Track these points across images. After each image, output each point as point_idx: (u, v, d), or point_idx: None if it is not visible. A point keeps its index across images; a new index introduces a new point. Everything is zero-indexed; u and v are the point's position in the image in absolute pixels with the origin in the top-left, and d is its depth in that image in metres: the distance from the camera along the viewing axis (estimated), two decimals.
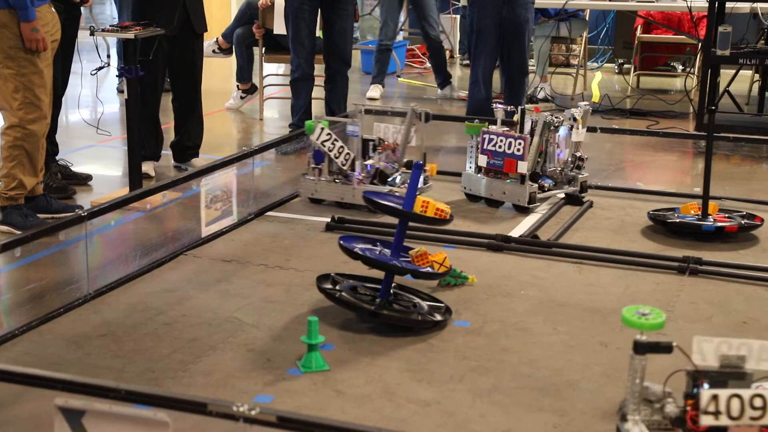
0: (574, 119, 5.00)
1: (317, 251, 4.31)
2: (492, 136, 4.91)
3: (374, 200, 3.67)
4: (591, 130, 5.74)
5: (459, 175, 5.42)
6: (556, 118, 4.99)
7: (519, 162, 4.83)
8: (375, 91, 8.35)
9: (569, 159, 5.09)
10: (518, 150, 4.81)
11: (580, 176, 5.08)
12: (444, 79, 8.44)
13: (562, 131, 4.99)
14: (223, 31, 7.96)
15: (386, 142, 5.00)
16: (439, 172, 5.05)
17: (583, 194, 5.10)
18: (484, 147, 4.94)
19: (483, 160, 4.97)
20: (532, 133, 4.94)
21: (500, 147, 4.87)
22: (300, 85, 6.41)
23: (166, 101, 5.90)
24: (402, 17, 8.81)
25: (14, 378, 2.44)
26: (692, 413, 2.31)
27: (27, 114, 4.37)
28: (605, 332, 3.47)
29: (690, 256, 4.13)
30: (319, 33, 6.52)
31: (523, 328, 3.50)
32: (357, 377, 3.10)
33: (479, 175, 5.03)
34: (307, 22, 6.28)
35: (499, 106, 5.20)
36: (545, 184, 4.98)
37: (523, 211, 4.89)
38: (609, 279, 4.01)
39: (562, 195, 5.08)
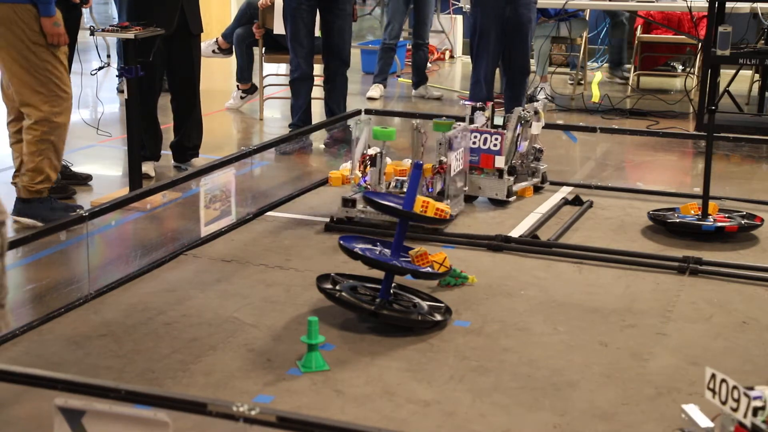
0: (536, 112, 5.12)
1: (317, 251, 4.31)
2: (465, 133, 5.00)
3: (374, 200, 3.67)
4: (591, 130, 5.75)
5: None
6: (528, 112, 5.09)
7: (497, 157, 4.93)
8: (375, 90, 8.35)
9: (529, 151, 5.24)
10: (495, 145, 4.92)
11: (541, 167, 5.29)
12: (420, 79, 8.48)
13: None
14: (223, 31, 7.96)
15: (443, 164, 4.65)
16: None
17: (543, 184, 5.31)
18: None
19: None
20: (503, 128, 5.05)
21: (474, 143, 4.95)
22: (299, 84, 6.41)
23: (166, 101, 5.89)
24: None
25: (14, 378, 2.44)
26: None
27: (53, 107, 4.45)
28: (605, 332, 3.47)
29: (690, 256, 4.13)
30: (318, 33, 6.52)
31: (523, 328, 3.50)
32: (357, 377, 3.10)
33: None
34: (305, 22, 6.28)
35: (466, 103, 5.28)
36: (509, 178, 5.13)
37: (500, 205, 4.99)
38: (609, 279, 4.01)
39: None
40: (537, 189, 5.27)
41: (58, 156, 4.57)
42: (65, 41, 4.46)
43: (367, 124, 4.70)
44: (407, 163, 5.05)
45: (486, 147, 4.94)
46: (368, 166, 4.62)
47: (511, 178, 5.00)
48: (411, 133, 4.63)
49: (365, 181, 4.64)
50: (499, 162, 4.93)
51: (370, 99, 8.25)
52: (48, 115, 4.44)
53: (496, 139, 4.91)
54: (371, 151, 4.66)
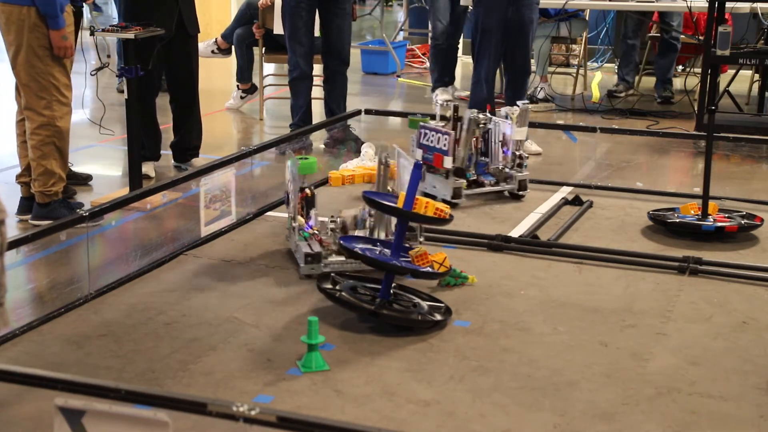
0: (507, 116, 5.08)
1: None
2: (426, 131, 5.01)
3: (374, 200, 3.67)
4: (591, 130, 5.75)
5: None
6: (484, 115, 5.12)
7: (444, 157, 4.92)
8: (445, 94, 8.25)
9: (512, 158, 5.16)
10: (444, 145, 4.91)
11: (519, 175, 5.14)
12: (450, 80, 8.43)
13: (508, 129, 5.08)
14: (223, 31, 7.96)
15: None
16: None
17: (522, 192, 5.15)
18: (420, 141, 5.05)
19: (419, 154, 5.05)
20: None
21: (432, 141, 4.98)
22: (299, 84, 6.39)
23: (165, 101, 5.89)
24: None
25: (14, 378, 2.44)
26: None
27: (54, 112, 4.50)
28: (605, 332, 3.47)
29: (690, 256, 4.13)
30: (318, 33, 6.51)
31: (523, 328, 3.50)
32: (357, 377, 3.10)
33: None
34: (304, 21, 6.26)
35: (439, 99, 5.27)
36: (485, 181, 5.12)
37: (451, 205, 4.92)
38: (609, 279, 4.01)
39: (493, 190, 5.16)
40: (516, 196, 5.14)
41: (64, 157, 4.62)
42: (71, 54, 4.53)
43: (293, 161, 4.11)
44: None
45: (439, 146, 4.94)
46: (305, 209, 4.13)
47: (459, 180, 4.96)
48: (378, 166, 4.15)
49: (311, 227, 4.11)
50: (447, 162, 4.91)
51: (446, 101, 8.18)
52: (49, 119, 4.49)
53: (446, 139, 4.90)
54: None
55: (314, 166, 4.12)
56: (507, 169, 5.15)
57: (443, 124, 5.08)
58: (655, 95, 8.20)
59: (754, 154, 6.22)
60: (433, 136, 4.96)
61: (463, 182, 4.99)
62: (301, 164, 4.06)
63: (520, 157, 5.17)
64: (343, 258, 3.95)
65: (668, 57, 8.23)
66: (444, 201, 4.90)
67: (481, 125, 5.08)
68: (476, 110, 5.15)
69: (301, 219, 4.12)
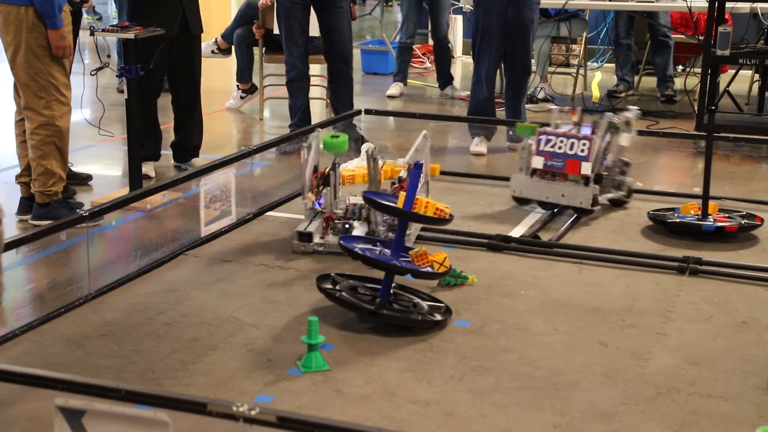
0: (628, 123, 4.90)
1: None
2: (551, 137, 4.77)
3: (374, 200, 3.67)
4: None
5: (461, 175, 5.41)
6: (619, 119, 4.88)
7: (583, 163, 4.70)
8: (395, 89, 8.35)
9: (615, 163, 4.95)
10: (582, 150, 4.69)
11: (627, 180, 4.99)
12: (446, 80, 8.46)
13: (624, 140, 4.89)
14: (223, 31, 7.96)
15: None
16: (441, 173, 5.03)
17: (628, 198, 5.01)
18: (541, 148, 4.79)
19: (539, 162, 4.80)
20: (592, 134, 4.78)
21: (560, 148, 4.74)
22: (296, 85, 6.37)
23: (166, 101, 5.89)
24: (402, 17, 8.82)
25: (14, 378, 2.44)
26: None
27: (54, 112, 4.50)
28: (605, 332, 3.47)
29: (690, 256, 4.13)
30: (318, 34, 6.49)
31: (523, 328, 3.50)
32: (357, 377, 3.10)
33: (534, 177, 4.83)
34: (299, 21, 6.23)
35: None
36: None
37: (584, 213, 4.76)
38: (609, 279, 4.01)
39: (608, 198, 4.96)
40: (621, 203, 5.01)
41: (64, 157, 4.62)
42: (70, 53, 4.53)
43: (315, 140, 4.28)
44: (401, 162, 5.02)
45: (573, 152, 4.71)
46: (321, 187, 4.25)
47: (597, 187, 4.75)
48: (367, 161, 4.17)
49: (320, 205, 4.29)
50: (586, 168, 4.69)
51: (390, 97, 8.24)
52: (49, 119, 4.49)
53: (584, 144, 4.68)
54: (357, 163, 4.32)
55: (345, 145, 4.16)
56: (618, 177, 4.95)
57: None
58: (658, 94, 8.21)
59: (754, 154, 6.22)
60: (562, 142, 4.72)
61: (598, 188, 4.77)
62: (332, 142, 4.17)
63: (626, 163, 4.99)
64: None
65: (663, 55, 8.21)
66: (579, 209, 4.74)
67: (614, 129, 4.84)
68: (611, 113, 4.89)
69: (311, 195, 4.24)
